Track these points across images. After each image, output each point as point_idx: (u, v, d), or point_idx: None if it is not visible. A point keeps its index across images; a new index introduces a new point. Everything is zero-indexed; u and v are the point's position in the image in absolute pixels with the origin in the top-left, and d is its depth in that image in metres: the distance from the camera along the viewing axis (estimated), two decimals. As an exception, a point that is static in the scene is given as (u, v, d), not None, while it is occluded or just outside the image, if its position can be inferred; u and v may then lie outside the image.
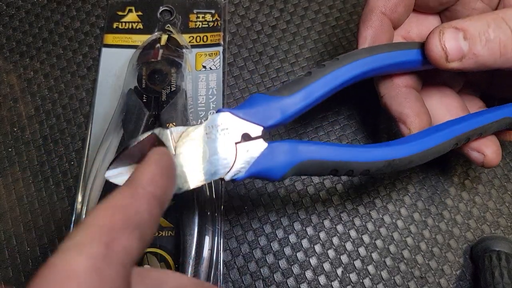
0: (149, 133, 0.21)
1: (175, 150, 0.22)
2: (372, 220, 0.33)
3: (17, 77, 0.37)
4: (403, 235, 0.32)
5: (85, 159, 0.34)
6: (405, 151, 0.25)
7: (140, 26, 0.38)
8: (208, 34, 0.38)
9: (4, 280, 0.32)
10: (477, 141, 0.28)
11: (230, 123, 0.23)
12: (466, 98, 0.31)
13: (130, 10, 0.39)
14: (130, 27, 0.38)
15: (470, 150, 0.28)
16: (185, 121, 0.32)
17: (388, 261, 0.32)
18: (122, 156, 0.21)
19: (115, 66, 0.37)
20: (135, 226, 0.17)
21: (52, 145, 0.35)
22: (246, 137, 0.24)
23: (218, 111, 0.23)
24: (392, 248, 0.32)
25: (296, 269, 0.31)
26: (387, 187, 0.34)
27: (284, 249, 0.32)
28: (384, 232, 0.32)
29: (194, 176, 0.23)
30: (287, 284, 0.31)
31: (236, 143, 0.23)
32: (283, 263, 0.32)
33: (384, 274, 0.31)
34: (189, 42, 0.37)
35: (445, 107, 0.30)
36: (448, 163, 0.35)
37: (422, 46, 0.26)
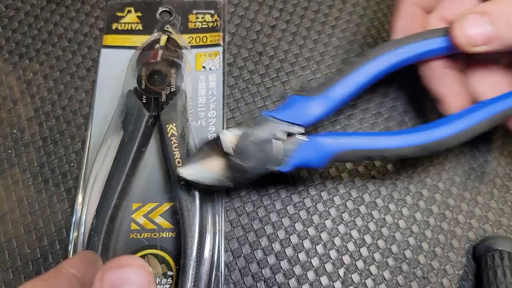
0: (215, 135, 0.28)
1: (233, 150, 0.27)
2: (374, 220, 0.33)
3: (17, 79, 0.37)
4: (405, 235, 0.32)
5: (85, 160, 0.34)
6: (441, 133, 0.27)
7: (140, 27, 0.38)
8: (208, 35, 0.38)
9: (4, 282, 0.31)
10: None
11: (274, 124, 0.27)
12: None
13: (129, 11, 0.39)
14: (129, 28, 0.38)
15: None
16: (184, 122, 0.32)
17: (390, 261, 0.32)
18: (193, 155, 0.27)
19: (115, 67, 0.36)
20: None
21: (52, 146, 0.35)
22: (289, 135, 0.28)
23: (262, 113, 0.28)
24: (394, 248, 0.32)
25: (298, 270, 0.31)
26: (388, 187, 0.34)
27: (286, 250, 0.32)
28: (386, 232, 0.32)
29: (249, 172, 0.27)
30: (289, 285, 0.31)
31: (281, 141, 0.27)
32: (284, 264, 0.31)
33: (386, 274, 0.31)
34: (189, 42, 0.37)
35: (491, 83, 0.29)
36: (448, 163, 0.34)
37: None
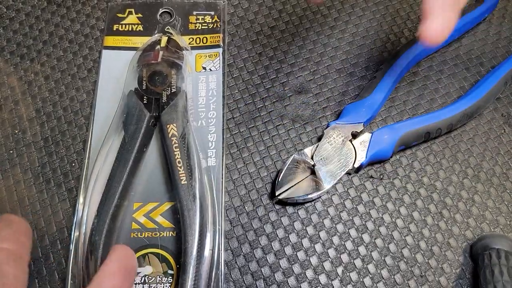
0: (295, 154, 0.33)
1: (313, 160, 0.33)
2: (372, 219, 0.33)
3: (18, 79, 0.38)
4: (402, 234, 0.33)
5: (86, 160, 0.34)
6: (472, 99, 0.34)
7: (140, 28, 0.38)
8: (208, 36, 0.38)
9: (6, 281, 0.32)
10: None
11: (340, 129, 0.34)
12: None
13: (130, 12, 0.39)
14: (130, 29, 0.38)
15: None
16: (185, 122, 0.33)
17: (388, 260, 0.32)
18: (281, 179, 0.32)
19: (116, 68, 0.37)
20: None
21: (53, 146, 0.35)
22: (354, 135, 0.34)
23: (328, 124, 0.34)
24: (392, 247, 0.32)
25: (296, 269, 0.32)
26: (386, 186, 0.34)
27: (285, 248, 0.32)
28: (384, 231, 0.33)
29: (330, 176, 0.32)
30: (288, 284, 0.31)
31: (350, 141, 0.33)
32: (283, 263, 0.32)
33: (384, 272, 0.32)
34: (189, 43, 0.38)
35: None
36: (446, 162, 0.35)
37: None
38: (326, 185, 0.32)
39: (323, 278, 0.31)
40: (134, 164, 0.32)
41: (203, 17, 0.39)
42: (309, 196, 0.32)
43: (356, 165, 0.33)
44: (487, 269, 0.30)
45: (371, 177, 0.34)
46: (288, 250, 0.32)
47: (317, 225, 0.33)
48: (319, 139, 0.35)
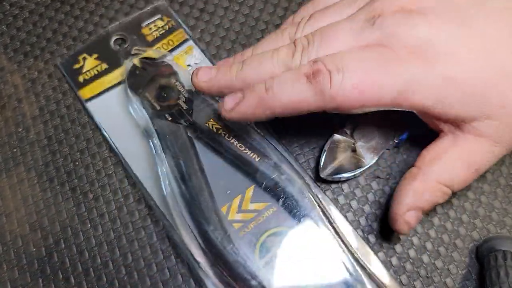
0: (335, 135, 0.33)
1: (353, 138, 0.33)
2: (378, 220, 0.33)
3: (21, 77, 0.37)
4: (408, 235, 0.32)
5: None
6: None
7: (105, 66, 0.36)
8: (171, 37, 0.37)
9: (10, 280, 0.32)
10: None
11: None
12: None
13: (84, 58, 0.37)
14: (96, 72, 0.36)
15: None
16: (216, 111, 0.32)
17: (394, 260, 0.32)
18: (325, 159, 0.32)
19: (111, 109, 0.35)
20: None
21: (56, 145, 0.35)
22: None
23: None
24: (397, 248, 0.32)
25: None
26: (392, 187, 0.34)
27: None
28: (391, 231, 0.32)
29: (372, 153, 0.33)
30: None
31: (389, 116, 0.32)
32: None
33: (390, 273, 0.31)
34: None
35: None
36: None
37: None
38: (368, 162, 0.32)
39: (328, 279, 0.31)
40: (204, 179, 0.31)
41: (154, 24, 0.38)
42: (352, 174, 0.32)
43: (396, 140, 0.33)
44: (493, 270, 0.30)
45: (378, 177, 0.34)
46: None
47: (322, 225, 0.33)
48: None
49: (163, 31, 0.38)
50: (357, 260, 0.30)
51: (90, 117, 0.35)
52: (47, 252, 0.32)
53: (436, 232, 0.33)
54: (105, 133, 0.35)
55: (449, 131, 0.27)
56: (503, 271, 0.29)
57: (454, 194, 0.28)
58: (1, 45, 0.38)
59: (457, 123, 0.27)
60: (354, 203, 0.33)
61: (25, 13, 0.40)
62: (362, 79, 0.25)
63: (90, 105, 0.35)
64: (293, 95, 0.26)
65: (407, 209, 0.28)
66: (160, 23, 0.38)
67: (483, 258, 0.31)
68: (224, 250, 0.29)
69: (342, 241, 0.30)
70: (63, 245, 0.32)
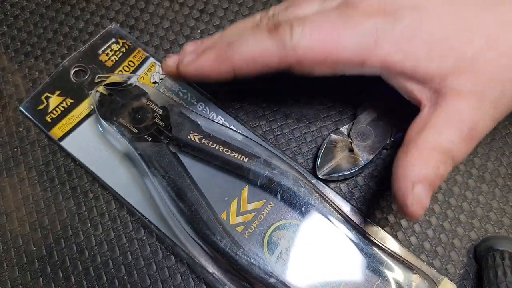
0: (331, 135, 0.33)
1: (350, 138, 0.33)
2: (376, 220, 0.33)
3: (22, 78, 0.38)
4: (406, 234, 0.33)
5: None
6: None
7: (70, 101, 0.35)
8: (130, 58, 0.37)
9: (10, 279, 0.32)
10: None
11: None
12: None
13: (47, 97, 0.35)
14: (62, 109, 0.35)
15: None
16: (196, 123, 0.32)
17: (392, 260, 0.32)
18: (321, 160, 0.33)
19: (87, 142, 0.34)
20: None
21: (56, 145, 0.35)
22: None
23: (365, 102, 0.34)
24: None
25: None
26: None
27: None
28: (389, 231, 0.33)
29: (369, 151, 0.33)
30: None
31: (386, 115, 0.34)
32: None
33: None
34: None
35: None
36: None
37: None
38: (364, 161, 0.33)
39: (326, 278, 0.31)
40: (199, 191, 0.31)
41: (110, 48, 0.37)
42: (349, 172, 0.32)
43: (393, 139, 0.33)
44: (491, 270, 0.30)
45: (377, 177, 0.34)
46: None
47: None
48: (323, 139, 0.35)
49: (121, 53, 0.37)
50: (368, 239, 0.30)
51: (68, 154, 0.35)
52: (47, 251, 0.33)
53: (434, 232, 0.33)
54: (88, 168, 0.34)
55: (428, 100, 0.26)
56: (501, 270, 0.29)
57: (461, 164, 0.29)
58: (2, 45, 0.39)
59: (433, 86, 0.25)
60: (353, 203, 0.33)
61: (26, 13, 0.40)
62: (323, 31, 0.25)
63: (65, 143, 0.34)
64: (254, 47, 0.26)
65: (413, 183, 0.25)
66: (115, 47, 0.37)
67: (481, 258, 0.31)
68: (235, 256, 0.29)
69: (348, 221, 0.30)
70: (63, 244, 0.33)
